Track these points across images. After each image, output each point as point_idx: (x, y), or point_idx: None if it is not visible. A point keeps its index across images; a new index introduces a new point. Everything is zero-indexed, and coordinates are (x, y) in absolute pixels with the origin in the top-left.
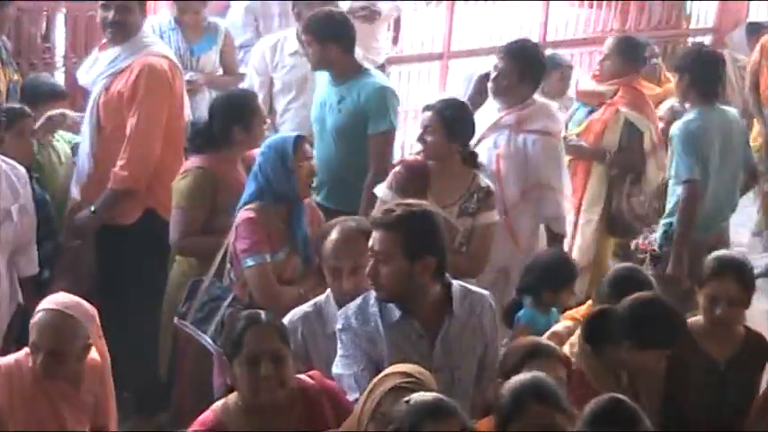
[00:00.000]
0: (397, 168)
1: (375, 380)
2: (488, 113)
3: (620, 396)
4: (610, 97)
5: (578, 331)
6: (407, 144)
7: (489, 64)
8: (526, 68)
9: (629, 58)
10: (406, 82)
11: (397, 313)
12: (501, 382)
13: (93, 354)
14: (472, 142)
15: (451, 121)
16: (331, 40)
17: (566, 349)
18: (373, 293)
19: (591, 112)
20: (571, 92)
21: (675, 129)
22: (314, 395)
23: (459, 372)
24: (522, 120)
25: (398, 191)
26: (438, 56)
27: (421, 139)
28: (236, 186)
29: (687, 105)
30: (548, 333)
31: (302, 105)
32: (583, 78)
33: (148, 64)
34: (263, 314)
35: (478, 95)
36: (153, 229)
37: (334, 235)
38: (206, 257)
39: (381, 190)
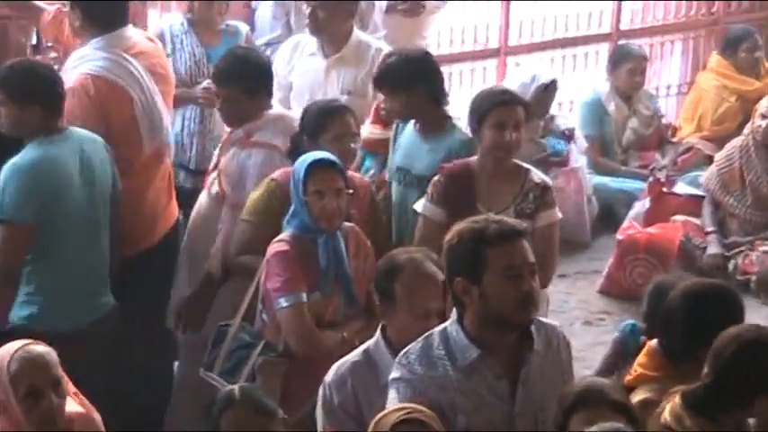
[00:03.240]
0: (436, 178)
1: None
2: None
3: None
4: None
5: (672, 405)
6: None
7: (555, 67)
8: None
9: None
10: (457, 84)
11: (471, 353)
12: None
13: (77, 407)
14: None
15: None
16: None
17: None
18: (437, 335)
19: (384, 163)
20: (648, 86)
21: None
22: None
23: (542, 414)
24: (251, 132)
25: (440, 202)
26: (493, 52)
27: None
28: None
29: None
30: (636, 399)
31: None
32: (366, 126)
33: (70, 88)
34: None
35: (540, 108)
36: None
37: (417, 275)
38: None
39: (421, 205)
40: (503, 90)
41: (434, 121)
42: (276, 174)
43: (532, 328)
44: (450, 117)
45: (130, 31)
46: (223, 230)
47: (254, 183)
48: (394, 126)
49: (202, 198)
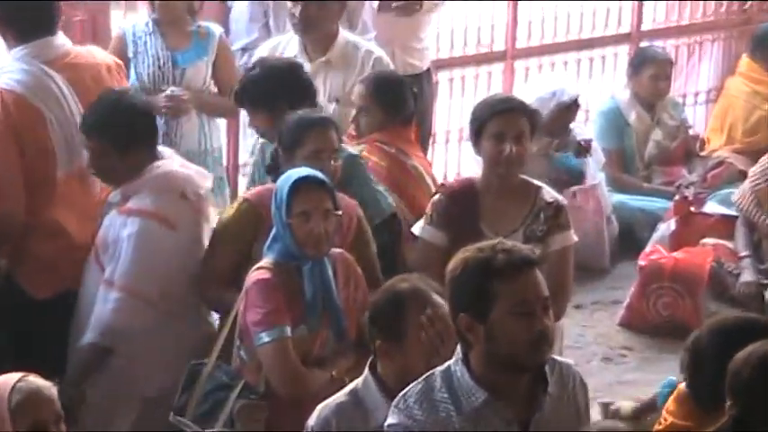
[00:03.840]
0: (435, 197)
1: None
2: None
3: None
4: None
5: None
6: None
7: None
8: None
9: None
10: (459, 91)
11: (478, 396)
12: None
13: None
14: None
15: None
16: None
17: None
18: (439, 376)
19: None
20: (674, 94)
21: None
22: None
23: None
24: (127, 195)
25: (441, 224)
26: (500, 55)
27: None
28: None
29: None
30: None
31: None
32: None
33: None
34: None
35: (558, 127)
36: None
37: (431, 310)
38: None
39: (419, 228)
40: (505, 97)
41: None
42: (249, 193)
43: (546, 367)
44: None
45: (60, 39)
46: (96, 312)
47: (130, 260)
48: (257, 146)
49: (88, 267)
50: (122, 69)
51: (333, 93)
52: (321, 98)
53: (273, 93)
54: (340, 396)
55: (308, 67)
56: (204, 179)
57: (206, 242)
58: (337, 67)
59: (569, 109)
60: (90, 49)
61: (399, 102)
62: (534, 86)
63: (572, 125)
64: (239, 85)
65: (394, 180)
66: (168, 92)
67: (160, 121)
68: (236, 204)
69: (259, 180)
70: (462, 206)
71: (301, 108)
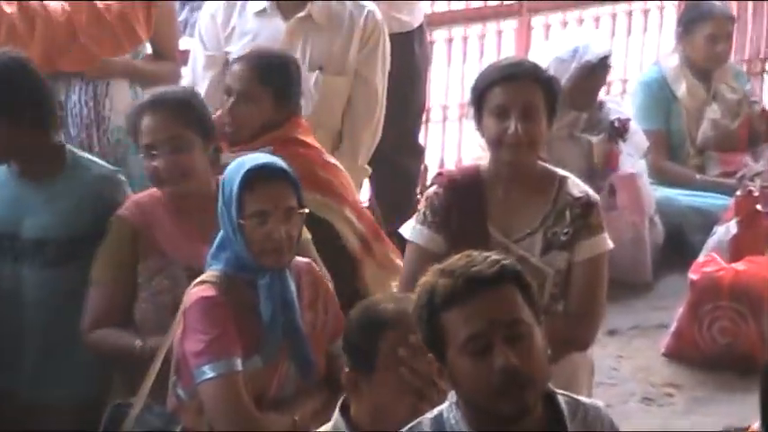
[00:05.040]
0: (432, 190)
1: None
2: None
3: None
4: None
5: None
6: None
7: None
8: None
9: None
10: (459, 54)
11: None
12: None
13: None
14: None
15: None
16: None
17: None
18: (428, 422)
19: None
20: (735, 59)
21: None
22: None
23: None
24: None
25: (437, 225)
26: (512, 9)
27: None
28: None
29: None
30: None
31: None
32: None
33: None
34: None
35: (582, 96)
36: None
37: (410, 335)
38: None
39: (409, 228)
40: (510, 62)
41: (45, 156)
42: (125, 205)
43: (565, 411)
44: (65, 146)
45: None
46: None
47: None
48: None
49: None
50: None
51: (315, 58)
52: (301, 65)
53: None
54: None
55: (281, 25)
56: None
57: None
58: (320, 24)
59: (596, 71)
60: None
61: (292, 85)
62: (553, 46)
63: (605, 98)
64: None
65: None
66: None
67: (85, 87)
68: (110, 224)
69: None
70: (465, 202)
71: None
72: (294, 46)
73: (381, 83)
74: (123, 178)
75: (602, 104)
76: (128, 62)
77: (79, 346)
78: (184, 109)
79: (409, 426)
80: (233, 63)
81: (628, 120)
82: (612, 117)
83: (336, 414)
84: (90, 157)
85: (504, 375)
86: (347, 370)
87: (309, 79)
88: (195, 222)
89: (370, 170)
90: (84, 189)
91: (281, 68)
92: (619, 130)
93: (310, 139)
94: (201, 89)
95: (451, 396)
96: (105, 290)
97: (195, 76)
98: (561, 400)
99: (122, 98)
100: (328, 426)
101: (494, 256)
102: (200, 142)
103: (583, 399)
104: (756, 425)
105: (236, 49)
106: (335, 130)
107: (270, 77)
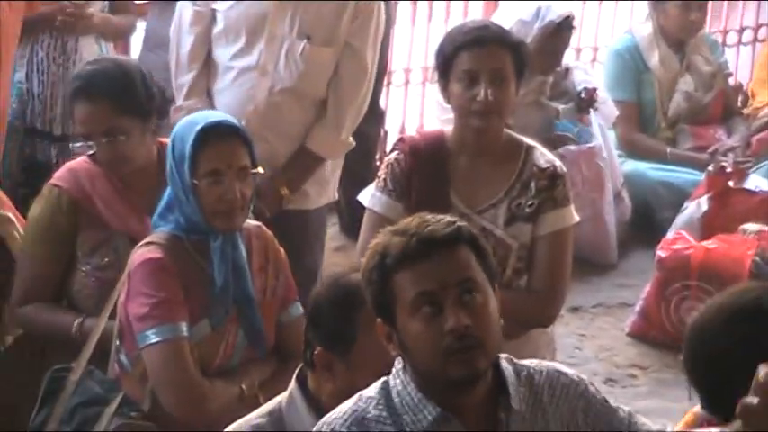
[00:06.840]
0: (391, 156)
1: None
2: None
3: None
4: None
5: None
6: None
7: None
8: None
9: None
10: (424, 16)
11: (428, 412)
12: None
13: None
14: None
15: None
16: None
17: None
18: (375, 390)
19: None
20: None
21: None
22: None
23: None
24: None
25: (396, 193)
26: None
27: None
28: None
29: None
30: None
31: (254, 64)
32: None
33: None
34: None
35: (546, 59)
36: None
37: None
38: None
39: (368, 196)
40: (477, 26)
41: None
42: (58, 174)
43: (510, 376)
44: None
45: None
46: None
47: None
48: None
49: None
50: None
51: (303, 26)
52: (287, 33)
53: None
54: (256, 416)
55: None
56: None
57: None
58: None
59: (559, 32)
60: None
61: None
62: (516, 8)
63: (573, 64)
64: None
65: None
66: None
67: (54, 43)
68: (42, 195)
69: None
70: (427, 169)
71: None
72: (282, 10)
73: (371, 56)
74: None
75: (568, 70)
76: (104, 17)
77: None
78: (120, 95)
79: (357, 394)
80: None
81: (594, 89)
82: (579, 87)
83: (293, 385)
84: None
85: (454, 336)
86: (318, 349)
87: (296, 47)
88: (138, 193)
89: (353, 143)
90: None
91: None
92: (586, 101)
93: None
94: (187, 44)
95: (397, 364)
96: (39, 262)
97: (181, 32)
98: (507, 365)
99: (90, 53)
100: (282, 396)
101: (449, 218)
102: (138, 125)
103: (528, 362)
104: (697, 407)
105: (221, 6)
106: (319, 100)
107: None
